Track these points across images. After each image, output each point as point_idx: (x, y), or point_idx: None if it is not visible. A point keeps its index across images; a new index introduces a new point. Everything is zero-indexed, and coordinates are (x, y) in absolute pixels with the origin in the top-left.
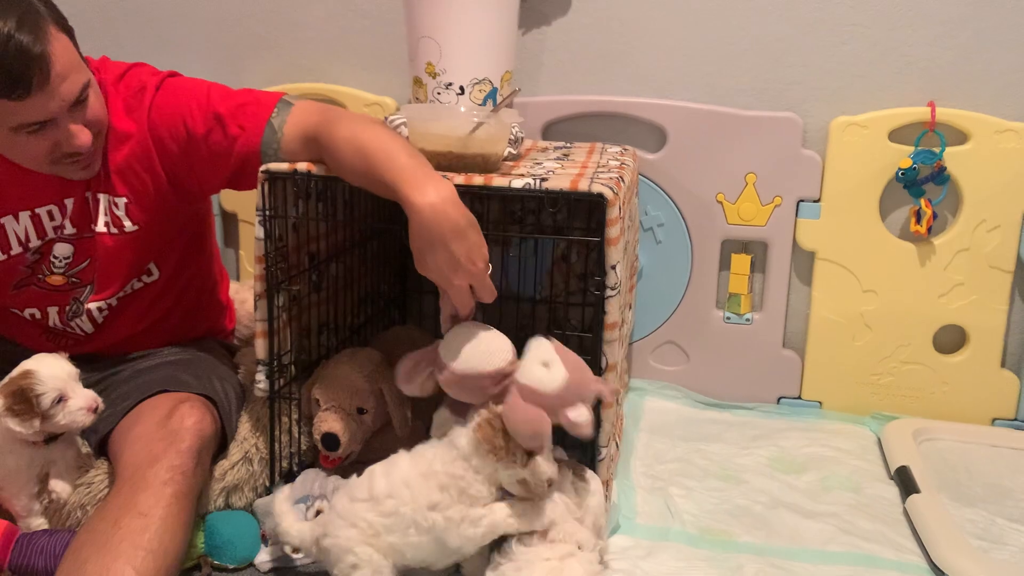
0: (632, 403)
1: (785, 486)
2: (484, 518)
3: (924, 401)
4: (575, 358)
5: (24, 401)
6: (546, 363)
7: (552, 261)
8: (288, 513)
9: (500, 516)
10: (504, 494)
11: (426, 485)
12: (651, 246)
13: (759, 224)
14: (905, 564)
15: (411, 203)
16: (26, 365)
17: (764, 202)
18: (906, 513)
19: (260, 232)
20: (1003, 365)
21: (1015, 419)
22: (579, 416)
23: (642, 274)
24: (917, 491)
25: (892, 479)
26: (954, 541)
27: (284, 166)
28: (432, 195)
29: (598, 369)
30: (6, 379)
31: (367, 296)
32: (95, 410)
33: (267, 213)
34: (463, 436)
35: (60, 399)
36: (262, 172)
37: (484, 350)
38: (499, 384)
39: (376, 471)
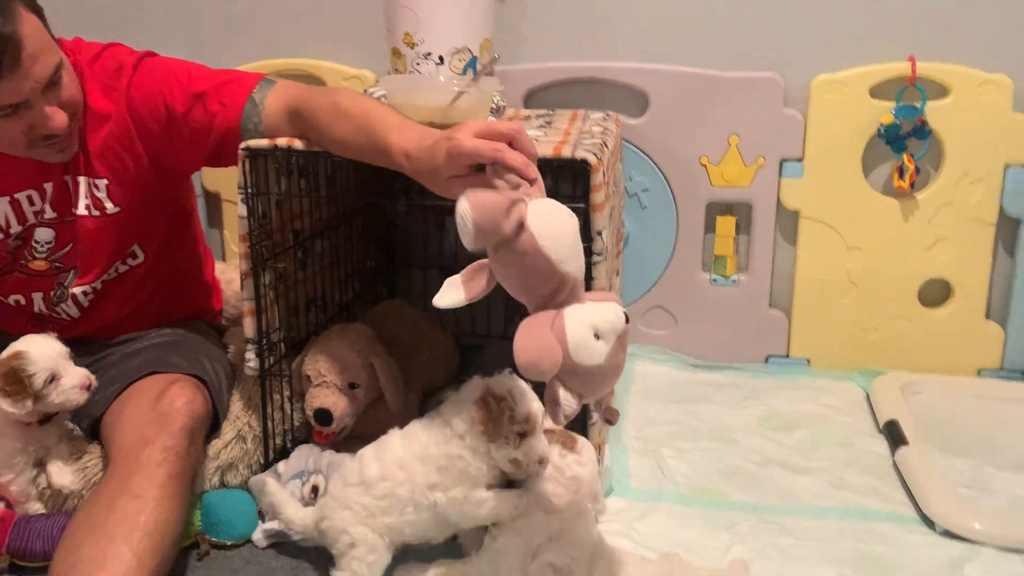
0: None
1: (776, 444)
2: (488, 503)
3: (911, 355)
4: (621, 363)
5: (16, 382)
6: (599, 335)
7: None
8: (289, 502)
9: (505, 508)
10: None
11: (423, 467)
12: (636, 212)
13: (743, 185)
14: (896, 515)
15: (398, 147)
16: (15, 346)
17: (747, 163)
18: (896, 466)
19: (243, 210)
20: (988, 317)
21: (1001, 369)
22: (568, 403)
23: (628, 240)
24: (906, 444)
25: (881, 433)
26: (943, 491)
27: (264, 142)
28: (416, 133)
29: None
30: None
31: (354, 272)
32: (88, 387)
33: (249, 191)
34: (457, 416)
35: (52, 378)
36: (242, 149)
37: (578, 250)
38: (554, 297)
39: (366, 455)
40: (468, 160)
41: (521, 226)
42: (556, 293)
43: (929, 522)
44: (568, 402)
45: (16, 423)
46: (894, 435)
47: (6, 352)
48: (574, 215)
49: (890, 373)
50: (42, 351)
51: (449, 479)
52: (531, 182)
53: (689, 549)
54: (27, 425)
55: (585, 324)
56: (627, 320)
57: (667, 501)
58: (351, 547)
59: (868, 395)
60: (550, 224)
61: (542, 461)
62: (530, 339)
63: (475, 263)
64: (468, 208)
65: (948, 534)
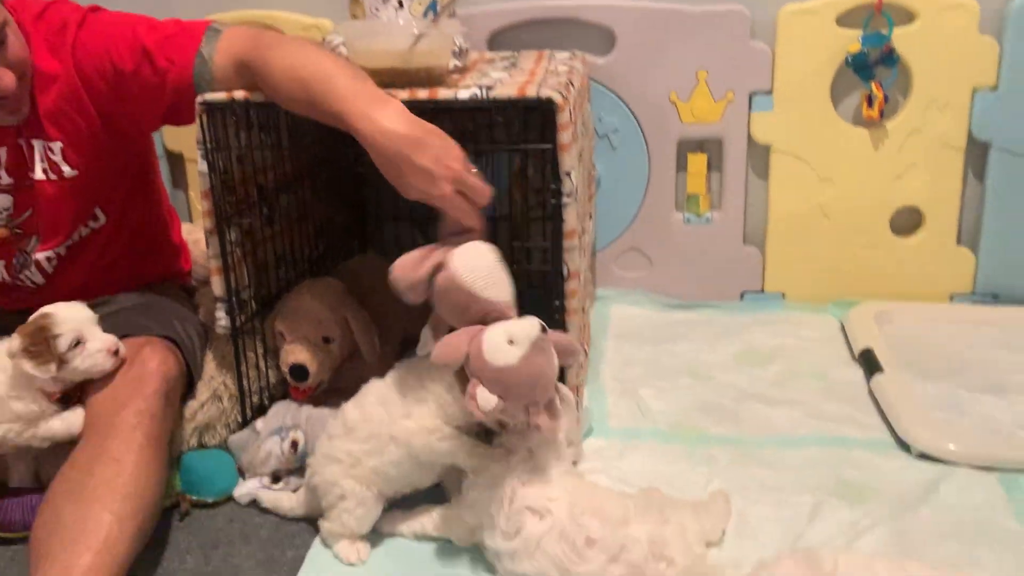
0: (599, 312)
1: (753, 378)
2: (450, 440)
3: (884, 284)
4: (541, 369)
5: (41, 342)
6: (512, 341)
7: (509, 177)
8: (282, 498)
9: (462, 454)
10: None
11: (403, 400)
12: (607, 153)
13: (713, 121)
14: (872, 441)
15: (360, 132)
16: (44, 309)
17: (717, 98)
18: (871, 393)
19: (203, 166)
20: (959, 242)
21: (972, 293)
22: (484, 400)
23: (600, 183)
24: (881, 371)
25: (856, 362)
26: (918, 415)
27: (222, 95)
28: (380, 118)
29: (559, 278)
30: (25, 323)
31: (323, 227)
32: (116, 353)
33: (209, 146)
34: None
35: (78, 342)
36: (199, 103)
37: (498, 279)
38: (481, 319)
39: (347, 406)
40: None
41: (437, 269)
42: (485, 318)
43: (905, 446)
44: (485, 399)
45: (36, 391)
46: (869, 363)
47: (34, 315)
48: (493, 249)
49: (864, 303)
50: (69, 314)
51: (424, 411)
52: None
53: (669, 484)
54: (46, 396)
55: (501, 332)
56: (544, 331)
57: (646, 439)
58: (341, 499)
59: (843, 325)
60: (467, 260)
61: (530, 424)
62: (445, 342)
63: None
64: (392, 272)
65: (924, 456)
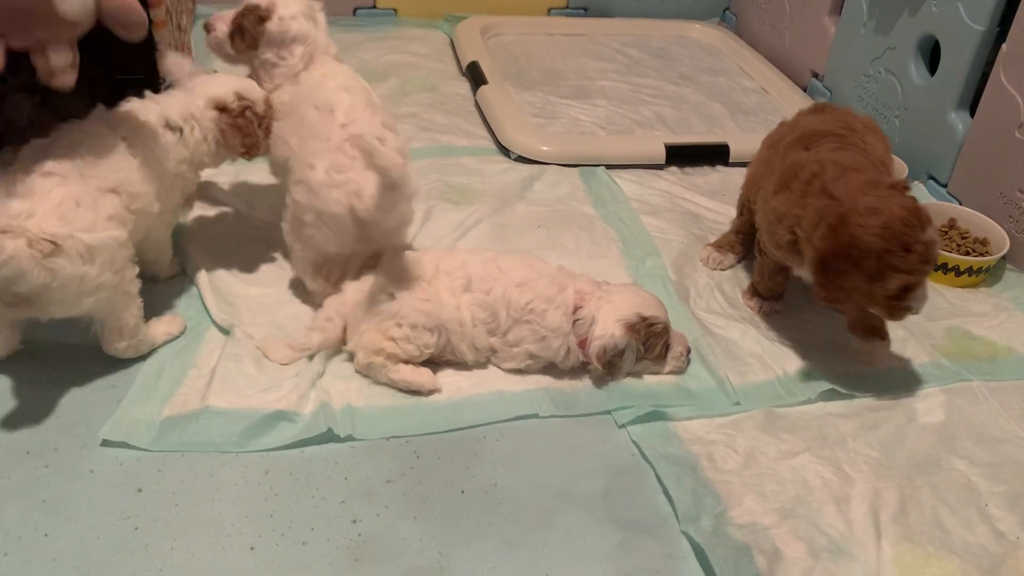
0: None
1: None
2: None
3: None
4: None
5: None
6: None
7: None
8: None
9: None
10: None
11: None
12: None
13: None
14: (477, 148)
15: None
16: None
17: None
18: (477, 104)
19: None
20: None
21: (567, 8)
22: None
23: None
24: (485, 83)
25: (464, 75)
26: (516, 122)
27: None
28: None
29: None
30: None
31: None
32: None
33: None
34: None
35: None
36: None
37: None
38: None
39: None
40: None
41: None
42: None
43: (505, 150)
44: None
45: None
46: (475, 76)
47: None
48: None
49: (472, 17)
50: None
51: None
52: None
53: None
54: None
55: None
56: None
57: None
58: None
59: (452, 40)
60: None
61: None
62: None
63: None
64: None
65: (521, 159)
